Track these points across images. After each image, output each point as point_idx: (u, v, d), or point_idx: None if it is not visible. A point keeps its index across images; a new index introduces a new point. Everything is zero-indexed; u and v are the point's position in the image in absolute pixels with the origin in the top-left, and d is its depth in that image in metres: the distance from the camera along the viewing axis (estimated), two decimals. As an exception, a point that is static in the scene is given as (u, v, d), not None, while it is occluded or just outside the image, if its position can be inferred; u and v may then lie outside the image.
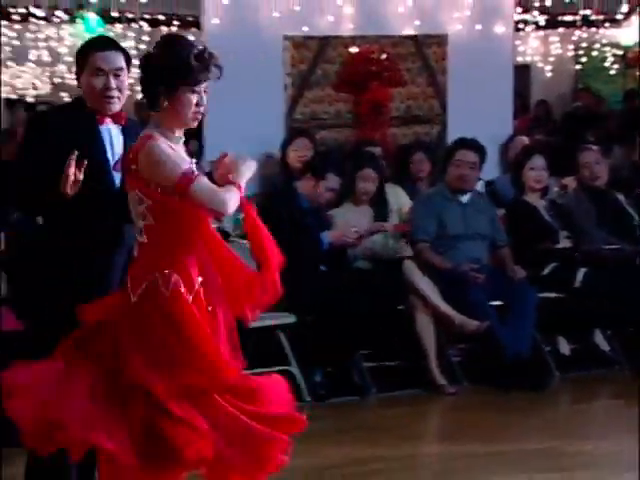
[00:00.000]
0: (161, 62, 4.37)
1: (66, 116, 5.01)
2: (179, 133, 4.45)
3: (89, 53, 4.95)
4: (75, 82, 5.00)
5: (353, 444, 6.87)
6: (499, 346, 7.86)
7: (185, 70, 4.34)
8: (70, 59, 11.59)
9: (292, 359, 7.78)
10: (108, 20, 11.17)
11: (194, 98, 4.37)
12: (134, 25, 11.21)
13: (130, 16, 10.83)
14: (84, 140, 4.80)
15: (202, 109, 4.43)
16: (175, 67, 4.35)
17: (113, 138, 4.94)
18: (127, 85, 5.04)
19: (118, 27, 11.66)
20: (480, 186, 9.03)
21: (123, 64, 4.96)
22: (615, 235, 8.65)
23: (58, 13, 9.47)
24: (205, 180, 4.31)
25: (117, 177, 4.88)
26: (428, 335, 7.97)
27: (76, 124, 4.87)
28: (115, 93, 4.91)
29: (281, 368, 7.69)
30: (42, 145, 4.89)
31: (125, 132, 4.96)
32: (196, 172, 4.31)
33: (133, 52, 10.58)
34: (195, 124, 4.49)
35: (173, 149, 4.36)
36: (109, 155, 4.92)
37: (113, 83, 4.90)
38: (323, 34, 9.44)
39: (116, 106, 4.95)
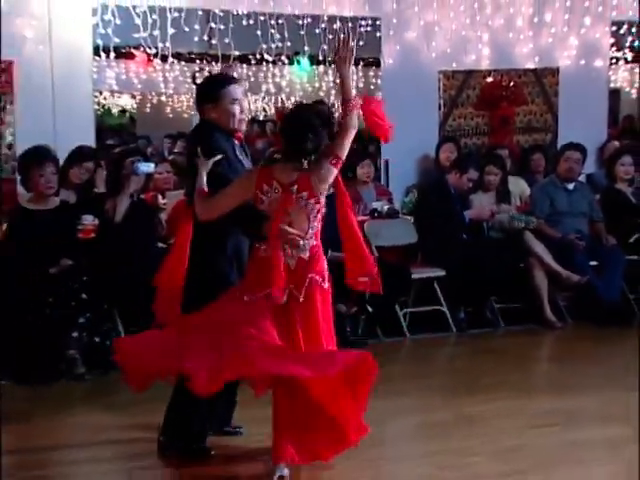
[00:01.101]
0: None
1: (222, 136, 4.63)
2: None
3: (224, 87, 4.62)
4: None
5: (484, 363, 6.80)
6: (595, 294, 7.83)
7: None
8: (288, 90, 11.76)
9: (443, 301, 7.68)
10: (315, 62, 11.16)
11: None
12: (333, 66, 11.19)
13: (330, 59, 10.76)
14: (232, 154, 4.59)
15: None
16: None
17: (237, 151, 4.66)
18: None
19: (321, 67, 11.63)
20: (582, 178, 8.81)
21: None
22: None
23: (282, 57, 9.42)
24: None
25: None
26: (542, 285, 7.95)
27: (228, 142, 4.62)
28: (244, 116, 4.71)
29: (435, 307, 7.68)
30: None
31: (242, 146, 4.72)
32: None
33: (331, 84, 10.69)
34: None
35: None
36: (246, 165, 4.67)
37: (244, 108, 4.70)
38: (467, 68, 9.30)
39: (243, 126, 4.74)
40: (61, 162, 6.79)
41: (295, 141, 4.17)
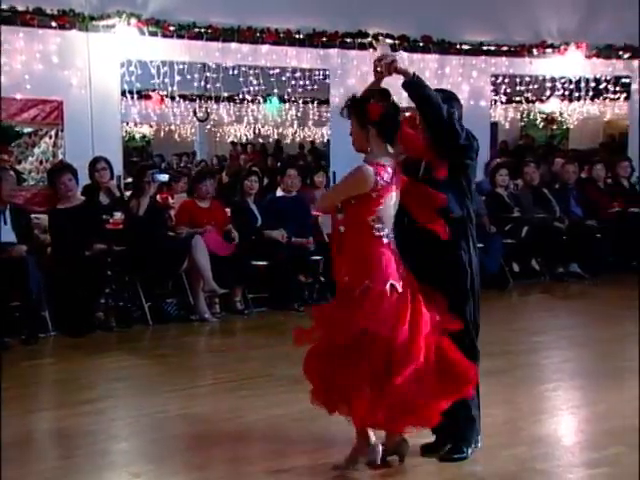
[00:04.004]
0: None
1: None
2: None
3: None
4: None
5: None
6: (482, 267, 7.58)
7: None
8: (263, 121, 11.68)
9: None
10: (282, 101, 11.07)
11: None
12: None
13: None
14: None
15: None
16: None
17: None
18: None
19: (287, 105, 11.55)
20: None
21: None
22: (542, 210, 8.34)
23: (258, 97, 9.34)
24: None
25: None
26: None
27: None
28: None
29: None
30: None
31: None
32: None
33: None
34: None
35: None
36: None
37: None
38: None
39: None
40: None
41: (393, 133, 3.30)
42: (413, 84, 3.24)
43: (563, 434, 3.89)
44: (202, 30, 7.91)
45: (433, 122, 3.23)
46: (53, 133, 7.40)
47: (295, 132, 12.81)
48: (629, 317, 6.48)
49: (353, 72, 8.98)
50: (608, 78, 10.06)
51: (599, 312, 6.66)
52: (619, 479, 3.31)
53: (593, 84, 9.99)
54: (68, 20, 7.29)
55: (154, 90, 8.52)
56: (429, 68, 9.29)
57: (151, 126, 12.35)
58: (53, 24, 7.21)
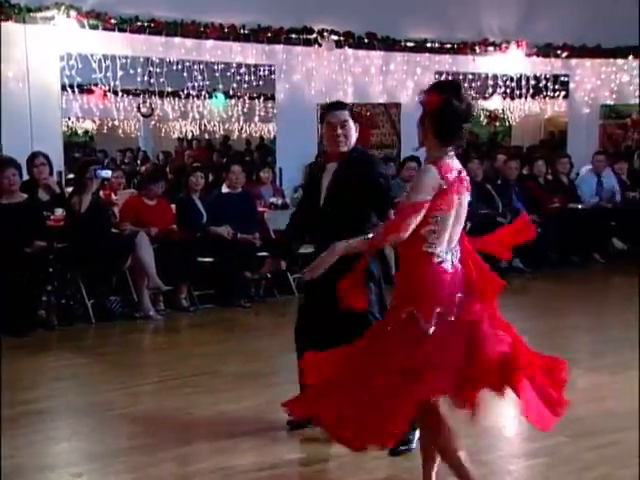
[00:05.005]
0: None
1: None
2: None
3: (324, 114, 3.74)
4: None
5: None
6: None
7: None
8: (209, 116, 11.59)
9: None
10: (228, 97, 11.03)
11: None
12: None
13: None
14: None
15: None
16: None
17: None
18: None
19: (232, 100, 11.50)
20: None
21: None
22: (485, 206, 8.43)
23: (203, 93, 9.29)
24: None
25: None
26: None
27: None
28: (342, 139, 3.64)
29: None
30: None
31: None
32: None
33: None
34: None
35: None
36: None
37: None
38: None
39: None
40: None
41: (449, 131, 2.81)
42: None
43: (505, 425, 3.96)
44: (145, 24, 7.80)
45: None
46: (-11, 127, 7.20)
47: (242, 128, 12.73)
48: (569, 310, 6.67)
49: (298, 68, 8.99)
50: (547, 76, 10.30)
51: (540, 305, 6.81)
52: (557, 468, 3.39)
53: (533, 82, 10.21)
54: (4, 11, 7.10)
55: (96, 84, 8.34)
56: (374, 65, 9.36)
57: (94, 121, 12.11)
58: (-12, 15, 7.02)
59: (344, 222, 3.39)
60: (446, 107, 2.76)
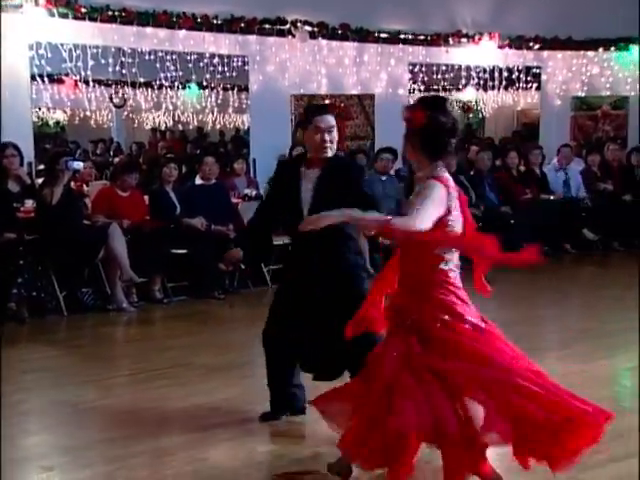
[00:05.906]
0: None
1: None
2: None
3: (312, 117, 3.52)
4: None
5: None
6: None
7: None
8: (182, 107, 11.50)
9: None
10: (201, 87, 10.95)
11: None
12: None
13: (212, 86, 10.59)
14: None
15: None
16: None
17: None
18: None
19: (206, 91, 11.45)
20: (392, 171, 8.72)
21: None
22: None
23: (176, 84, 9.23)
24: None
25: None
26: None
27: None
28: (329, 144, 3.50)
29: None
30: None
31: None
32: None
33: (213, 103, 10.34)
34: None
35: None
36: None
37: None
38: (311, 93, 9.27)
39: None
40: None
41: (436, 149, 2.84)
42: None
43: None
44: (116, 13, 7.71)
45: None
46: (-43, 117, 7.08)
47: (215, 119, 12.66)
48: (539, 299, 6.75)
49: (272, 59, 8.95)
50: (520, 68, 10.38)
51: (511, 295, 6.87)
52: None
53: (506, 74, 10.29)
54: (-29, -1, 7.00)
55: (67, 74, 8.26)
56: (348, 56, 9.35)
57: (65, 112, 11.97)
58: (-46, 3, 6.90)
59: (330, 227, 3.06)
60: (432, 123, 2.73)
